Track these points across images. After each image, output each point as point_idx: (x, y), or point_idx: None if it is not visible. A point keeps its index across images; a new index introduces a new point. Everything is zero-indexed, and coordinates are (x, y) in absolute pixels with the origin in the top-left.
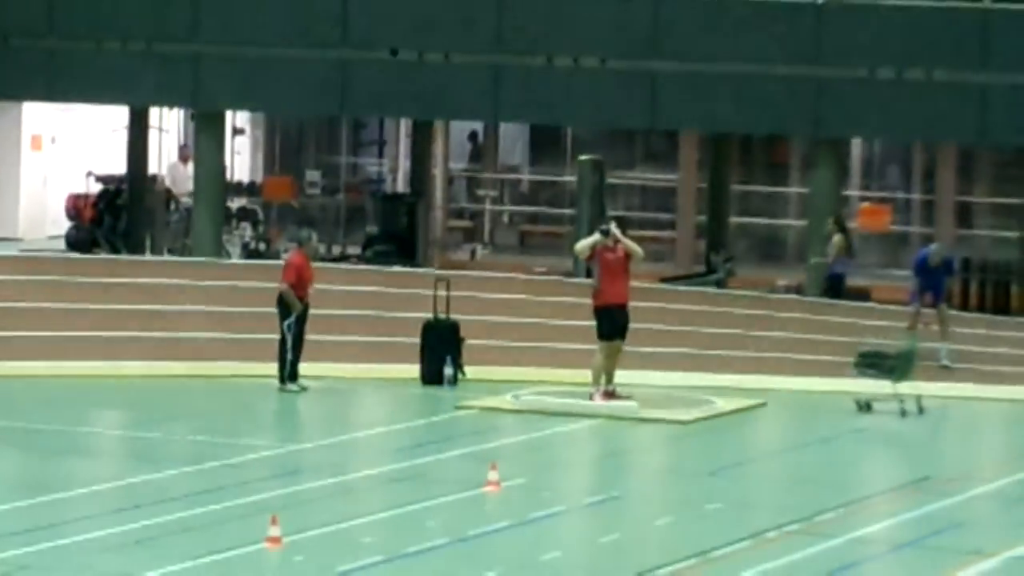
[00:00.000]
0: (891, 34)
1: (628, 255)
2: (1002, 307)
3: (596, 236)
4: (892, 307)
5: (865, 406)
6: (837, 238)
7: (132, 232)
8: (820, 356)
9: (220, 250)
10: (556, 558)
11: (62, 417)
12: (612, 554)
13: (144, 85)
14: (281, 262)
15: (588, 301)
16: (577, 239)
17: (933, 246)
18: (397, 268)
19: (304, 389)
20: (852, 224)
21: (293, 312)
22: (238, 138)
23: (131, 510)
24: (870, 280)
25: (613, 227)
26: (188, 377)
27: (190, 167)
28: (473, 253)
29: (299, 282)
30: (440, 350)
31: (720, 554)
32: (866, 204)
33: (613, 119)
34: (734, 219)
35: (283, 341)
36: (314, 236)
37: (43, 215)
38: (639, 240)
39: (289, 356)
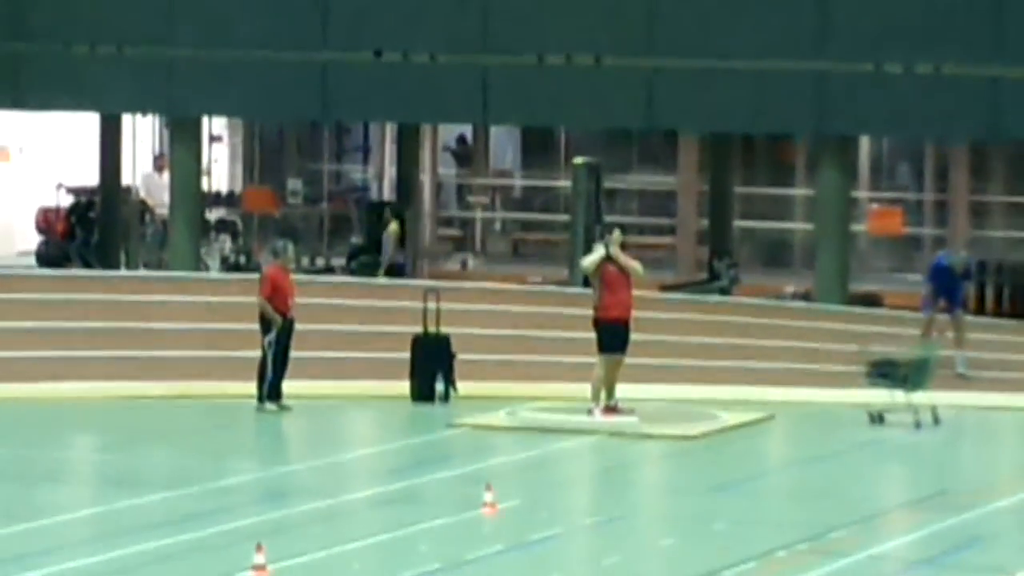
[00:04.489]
0: (898, 26)
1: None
2: (1021, 312)
3: (601, 251)
4: (905, 313)
5: (877, 418)
6: (392, 227)
7: (105, 246)
8: (830, 366)
9: (198, 264)
10: None
11: (35, 442)
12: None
13: (115, 91)
14: (260, 276)
15: (586, 312)
16: (573, 246)
17: (950, 251)
18: (384, 280)
19: (287, 409)
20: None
21: (274, 327)
22: (215, 146)
23: (110, 538)
24: (882, 285)
25: (615, 238)
26: (166, 398)
27: (165, 177)
28: (464, 263)
29: (277, 295)
30: (430, 366)
31: (727, 575)
32: (876, 206)
33: (609, 120)
34: (738, 223)
35: (263, 359)
36: (291, 247)
37: (11, 230)
38: (638, 247)
39: (268, 374)
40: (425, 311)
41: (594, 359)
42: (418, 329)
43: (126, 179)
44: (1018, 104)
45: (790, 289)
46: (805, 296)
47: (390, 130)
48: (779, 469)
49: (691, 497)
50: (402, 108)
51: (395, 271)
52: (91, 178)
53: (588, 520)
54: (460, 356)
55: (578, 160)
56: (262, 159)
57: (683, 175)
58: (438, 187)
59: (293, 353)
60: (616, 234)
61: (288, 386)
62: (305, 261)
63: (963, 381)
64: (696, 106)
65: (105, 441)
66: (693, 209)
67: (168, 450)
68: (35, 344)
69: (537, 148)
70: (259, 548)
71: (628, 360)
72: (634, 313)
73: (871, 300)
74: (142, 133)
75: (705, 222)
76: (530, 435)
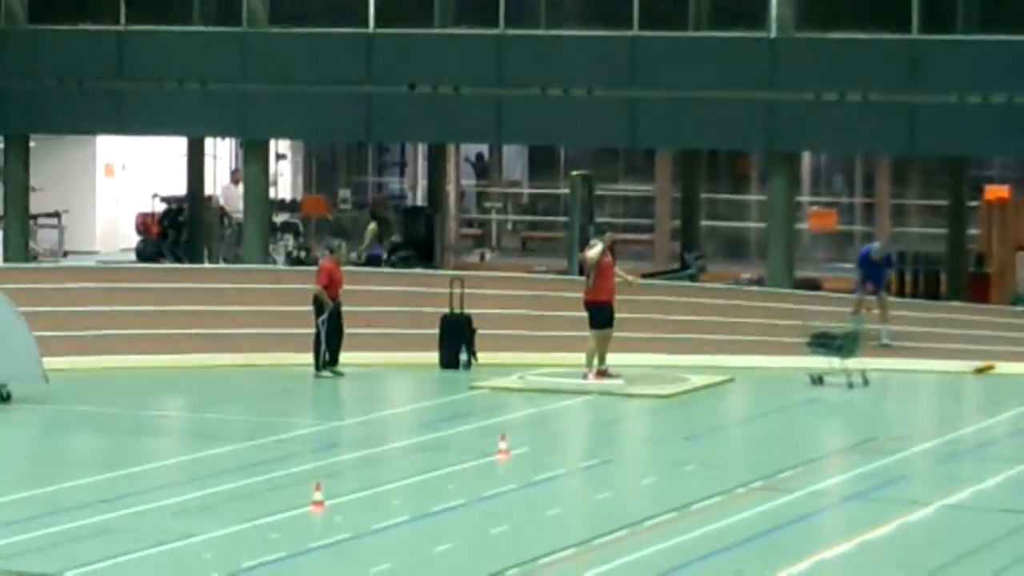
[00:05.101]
0: (833, 63)
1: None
2: (933, 293)
3: (601, 246)
4: (840, 295)
5: (818, 380)
6: (372, 227)
7: (192, 244)
8: (779, 338)
9: (267, 258)
10: (558, 513)
11: (135, 403)
12: (605, 509)
13: (199, 119)
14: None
15: (581, 295)
16: (570, 242)
17: (875, 243)
18: (418, 270)
19: (341, 374)
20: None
21: (326, 310)
22: (280, 162)
23: (195, 480)
24: (820, 272)
25: (608, 237)
26: (241, 367)
27: (240, 188)
28: (482, 256)
29: (331, 284)
30: (456, 339)
31: (697, 508)
32: (815, 208)
33: (599, 140)
34: (704, 223)
35: (317, 335)
36: (343, 245)
37: (116, 231)
38: (623, 243)
39: (323, 347)
40: (451, 295)
41: (587, 333)
42: (445, 309)
43: (208, 190)
44: (929, 126)
45: (746, 276)
46: (758, 281)
47: (422, 149)
48: (738, 422)
49: (667, 445)
50: (431, 130)
51: (373, 261)
52: (180, 189)
53: (583, 463)
54: (479, 331)
55: (574, 172)
56: (318, 173)
57: (659, 184)
58: (461, 195)
59: (346, 329)
60: (608, 235)
61: (341, 356)
62: (353, 256)
63: (886, 349)
64: (670, 128)
65: (191, 402)
66: (667, 211)
67: (242, 409)
68: (135, 324)
69: (541, 163)
70: (317, 487)
71: (615, 333)
72: (619, 296)
73: (812, 284)
74: (221, 152)
75: (677, 222)
76: (536, 395)
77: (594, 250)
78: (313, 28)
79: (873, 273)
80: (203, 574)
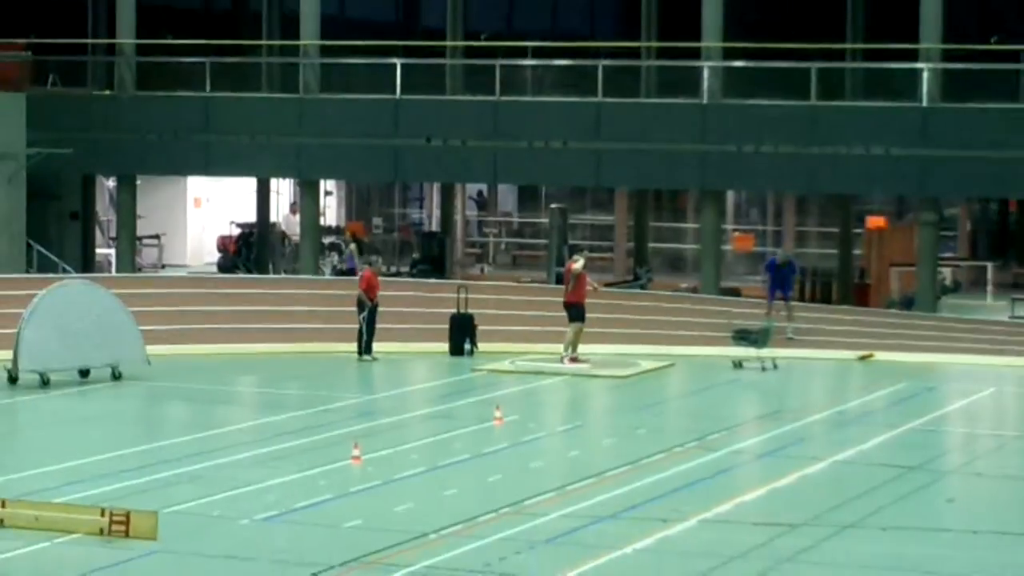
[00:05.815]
0: (751, 122)
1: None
2: (827, 299)
3: (582, 261)
4: (755, 300)
5: (739, 365)
6: (352, 246)
7: (260, 260)
8: (709, 332)
9: (317, 271)
10: (540, 466)
11: (215, 380)
12: (576, 462)
13: (266, 164)
14: (358, 278)
15: (559, 300)
16: (550, 260)
17: (778, 252)
18: (432, 280)
19: (375, 360)
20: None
21: (365, 308)
22: (328, 197)
23: (262, 440)
24: (741, 283)
25: (584, 254)
26: (298, 354)
27: (297, 217)
28: (482, 269)
29: (369, 289)
30: (461, 333)
31: (646, 462)
32: (737, 233)
33: (572, 180)
34: (652, 245)
35: (360, 329)
36: (379, 260)
37: (202, 249)
38: (591, 259)
39: (364, 338)
40: (458, 299)
41: (563, 329)
42: (453, 310)
43: (273, 218)
44: (824, 171)
45: (684, 285)
46: (693, 290)
47: (436, 187)
48: (677, 397)
49: (623, 414)
50: (443, 173)
51: (350, 273)
52: (251, 217)
53: (560, 428)
54: (480, 327)
55: (553, 205)
56: (357, 205)
57: (618, 215)
58: (466, 222)
59: (378, 325)
60: (585, 253)
61: (376, 346)
62: (384, 268)
63: (791, 342)
64: (626, 172)
65: (258, 380)
66: (624, 236)
67: (298, 385)
68: (215, 320)
69: (528, 198)
70: (355, 445)
71: (587, 328)
72: (588, 300)
73: (734, 292)
74: (283, 189)
75: (631, 244)
76: (524, 376)
77: (578, 264)
78: (353, 95)
79: (781, 279)
80: (268, 511)
